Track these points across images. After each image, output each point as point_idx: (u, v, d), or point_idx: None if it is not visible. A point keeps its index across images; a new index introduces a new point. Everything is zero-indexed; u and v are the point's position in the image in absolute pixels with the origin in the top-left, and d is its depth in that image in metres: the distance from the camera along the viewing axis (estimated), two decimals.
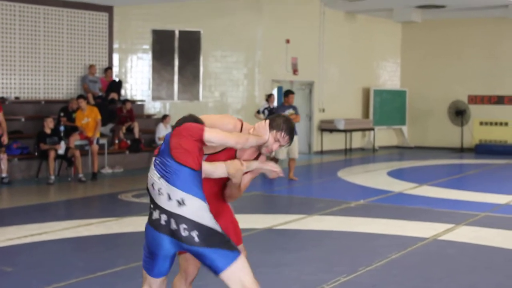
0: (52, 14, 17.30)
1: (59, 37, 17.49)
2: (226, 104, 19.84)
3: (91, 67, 17.49)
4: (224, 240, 4.23)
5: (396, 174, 16.18)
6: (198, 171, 4.30)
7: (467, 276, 7.00)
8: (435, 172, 17.14)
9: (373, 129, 23.50)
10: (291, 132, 4.69)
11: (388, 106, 24.22)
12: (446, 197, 12.31)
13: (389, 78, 25.16)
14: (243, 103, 19.96)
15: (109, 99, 17.27)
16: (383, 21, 23.96)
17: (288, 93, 14.71)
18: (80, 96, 15.45)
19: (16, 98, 16.54)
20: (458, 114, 23.74)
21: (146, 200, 11.62)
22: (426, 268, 7.29)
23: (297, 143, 14.53)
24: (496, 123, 23.75)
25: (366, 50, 23.86)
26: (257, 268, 7.04)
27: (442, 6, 21.12)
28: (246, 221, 9.75)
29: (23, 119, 16.03)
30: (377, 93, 23.90)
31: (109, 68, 17.89)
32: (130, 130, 16.94)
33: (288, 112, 14.11)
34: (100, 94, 17.41)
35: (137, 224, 9.44)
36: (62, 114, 15.68)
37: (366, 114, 23.97)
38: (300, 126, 21.90)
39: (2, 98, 16.22)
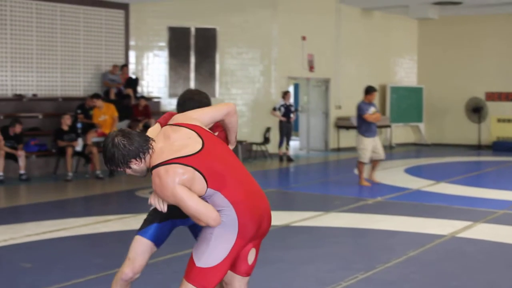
0: (69, 11, 17.36)
1: (75, 34, 17.56)
2: (242, 101, 19.83)
3: (114, 67, 17.55)
4: None
5: (413, 171, 16.12)
6: None
7: (485, 274, 6.96)
8: (453, 169, 17.07)
9: (389, 126, 23.43)
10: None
11: (405, 103, 24.13)
12: (464, 194, 12.24)
13: (406, 75, 25.07)
14: (259, 100, 19.94)
15: (123, 94, 17.29)
16: (400, 18, 23.88)
17: (371, 90, 13.33)
18: (94, 95, 15.47)
19: (34, 95, 16.62)
20: (476, 111, 23.60)
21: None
22: (444, 265, 7.26)
23: (380, 143, 13.55)
24: None
25: (382, 46, 23.78)
26: (274, 264, 7.06)
27: (459, 3, 21.01)
28: None
29: (40, 116, 16.10)
30: (393, 90, 23.82)
31: (125, 66, 17.93)
32: (147, 127, 16.98)
33: (371, 110, 13.12)
34: (117, 90, 17.46)
35: None
36: (79, 111, 15.77)
37: (383, 111, 23.88)
38: (316, 123, 21.91)
39: (20, 95, 16.32)
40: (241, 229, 4.03)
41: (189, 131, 4.03)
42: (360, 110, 13.17)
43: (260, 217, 4.11)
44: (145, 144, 3.90)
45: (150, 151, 3.90)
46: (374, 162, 13.63)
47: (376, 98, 13.35)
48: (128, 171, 3.95)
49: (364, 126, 13.18)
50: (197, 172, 3.86)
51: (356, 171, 15.87)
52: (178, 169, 3.82)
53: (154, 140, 3.96)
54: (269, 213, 4.22)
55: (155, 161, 3.87)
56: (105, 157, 3.92)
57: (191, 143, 3.96)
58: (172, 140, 3.97)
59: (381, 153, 13.36)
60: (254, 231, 4.09)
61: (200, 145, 3.97)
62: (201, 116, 4.21)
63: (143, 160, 3.91)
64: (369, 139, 13.13)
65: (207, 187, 3.90)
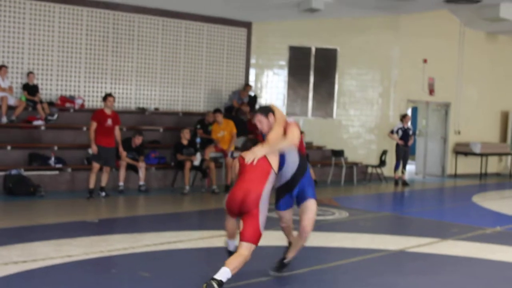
0: (193, 28, 17.81)
1: (198, 51, 17.98)
2: (360, 122, 19.72)
3: (247, 86, 17.84)
4: None
5: None
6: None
7: None
8: None
9: (510, 154, 22.73)
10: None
11: None
12: None
13: None
14: (377, 122, 19.79)
15: (236, 107, 17.47)
16: None
17: None
18: (217, 110, 15.76)
19: (156, 109, 17.10)
20: None
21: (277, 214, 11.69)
22: None
23: None
24: None
25: (506, 72, 23.15)
26: None
27: None
28: (378, 241, 9.66)
29: (161, 130, 16.55)
30: None
31: (249, 85, 18.12)
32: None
33: None
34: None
35: (269, 237, 9.51)
36: (198, 126, 16.07)
37: (503, 138, 23.22)
38: (434, 148, 21.52)
39: (143, 108, 16.81)
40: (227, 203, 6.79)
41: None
42: None
43: (238, 198, 6.54)
44: None
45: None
46: None
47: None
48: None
49: None
50: None
51: (474, 199, 15.48)
52: None
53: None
54: (244, 197, 6.53)
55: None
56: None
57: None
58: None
59: None
60: (233, 207, 6.65)
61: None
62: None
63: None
64: None
65: None
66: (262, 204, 6.53)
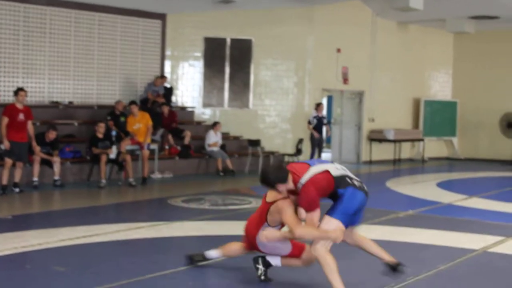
0: (107, 21, 17.60)
1: (113, 43, 17.79)
2: (276, 112, 19.89)
3: (157, 79, 17.64)
4: None
5: (445, 185, 16.03)
6: None
7: None
8: (486, 184, 16.94)
9: (422, 140, 23.33)
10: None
11: (439, 117, 24.01)
12: (497, 210, 12.16)
13: (440, 88, 24.95)
14: (293, 111, 19.99)
15: (152, 100, 17.37)
16: (435, 32, 23.80)
17: None
18: (132, 102, 15.65)
19: (70, 102, 16.85)
20: (510, 126, 23.41)
21: (194, 205, 11.74)
22: (475, 280, 7.23)
23: None
24: None
25: (417, 60, 23.71)
26: (303, 274, 7.09)
27: (496, 17, 20.92)
28: None
29: (76, 124, 16.31)
30: (427, 103, 23.73)
31: (164, 77, 17.99)
32: (181, 138, 17.07)
33: None
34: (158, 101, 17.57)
35: (186, 228, 9.55)
36: (109, 117, 15.86)
37: (416, 125, 23.80)
38: (349, 136, 21.89)
39: (57, 102, 16.55)
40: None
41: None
42: None
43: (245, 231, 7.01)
44: None
45: None
46: None
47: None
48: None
49: None
50: None
51: (388, 184, 15.84)
52: None
53: None
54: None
55: None
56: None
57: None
58: None
59: None
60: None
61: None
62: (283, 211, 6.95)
63: None
64: None
65: None
66: (260, 243, 6.84)
